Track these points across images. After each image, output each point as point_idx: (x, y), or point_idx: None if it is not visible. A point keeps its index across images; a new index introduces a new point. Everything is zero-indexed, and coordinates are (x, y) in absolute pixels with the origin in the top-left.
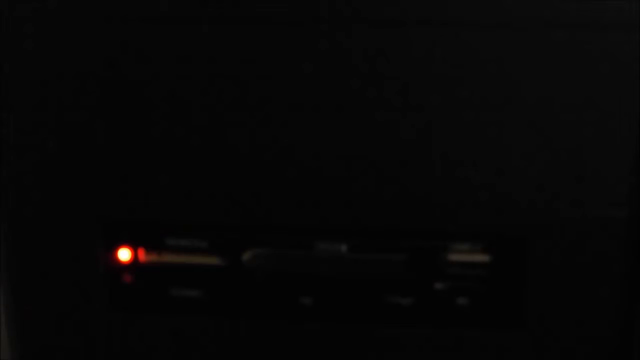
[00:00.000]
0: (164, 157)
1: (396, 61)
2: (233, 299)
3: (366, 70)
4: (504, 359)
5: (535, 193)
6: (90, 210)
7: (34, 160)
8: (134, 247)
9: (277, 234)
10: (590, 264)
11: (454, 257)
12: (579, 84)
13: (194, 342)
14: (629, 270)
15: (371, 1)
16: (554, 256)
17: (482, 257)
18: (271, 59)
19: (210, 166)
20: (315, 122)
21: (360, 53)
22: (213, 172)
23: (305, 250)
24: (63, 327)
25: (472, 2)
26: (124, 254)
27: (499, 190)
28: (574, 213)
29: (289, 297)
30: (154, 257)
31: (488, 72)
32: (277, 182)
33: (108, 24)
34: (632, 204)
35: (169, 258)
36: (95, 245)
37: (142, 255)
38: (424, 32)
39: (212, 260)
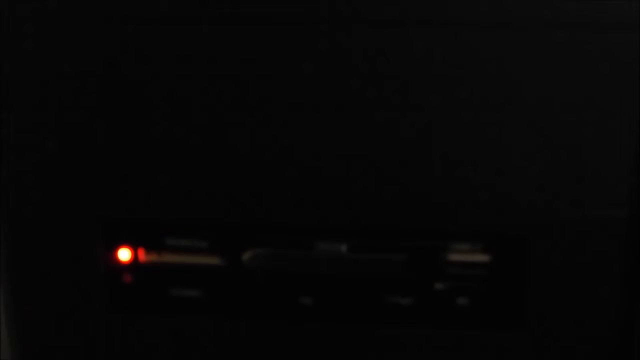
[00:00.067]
0: (164, 157)
1: (396, 61)
2: (233, 299)
3: (366, 70)
4: (504, 359)
5: (535, 193)
6: (90, 210)
7: (34, 160)
8: (134, 247)
9: (277, 234)
10: (590, 264)
11: (454, 257)
12: (579, 84)
13: (194, 342)
14: (629, 270)
15: (371, 1)
16: (554, 256)
17: (482, 257)
18: (271, 59)
19: (210, 166)
20: (315, 122)
21: (360, 53)
22: (213, 172)
23: (305, 250)
24: (63, 327)
25: (472, 2)
26: (124, 254)
27: (499, 190)
28: (574, 213)
29: (289, 297)
30: (154, 257)
31: (488, 72)
32: (277, 182)
33: (108, 24)
34: (632, 204)
35: (169, 258)
36: (95, 245)
37: (142, 255)
38: (424, 32)
39: (212, 260)
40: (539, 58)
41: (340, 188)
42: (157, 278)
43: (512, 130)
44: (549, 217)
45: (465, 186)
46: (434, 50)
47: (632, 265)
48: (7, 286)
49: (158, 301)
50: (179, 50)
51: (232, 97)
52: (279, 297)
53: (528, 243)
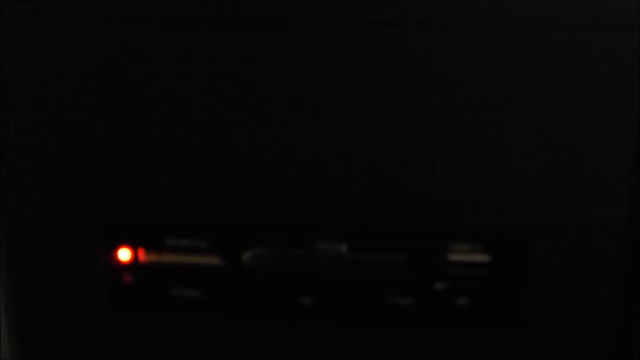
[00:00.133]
0: (164, 157)
1: (396, 61)
2: (233, 299)
3: (366, 70)
4: (504, 359)
5: (535, 193)
6: (90, 210)
7: (34, 160)
8: (134, 247)
9: (277, 234)
10: (590, 264)
11: (454, 257)
12: (579, 84)
13: (194, 342)
14: (629, 270)
15: (371, 1)
16: (554, 256)
17: (482, 257)
18: (271, 59)
19: (210, 166)
20: (315, 122)
21: (360, 53)
22: (213, 172)
23: (305, 250)
24: (63, 327)
25: (472, 2)
26: (124, 254)
27: (499, 190)
28: (574, 213)
29: (289, 297)
30: (154, 257)
31: (488, 72)
32: (277, 182)
33: (108, 24)
34: (632, 204)
35: (169, 258)
36: (95, 245)
37: (142, 255)
38: (424, 32)
39: (212, 260)
40: (539, 58)
41: (340, 188)
42: (157, 278)
43: (512, 130)
44: (549, 217)
45: (465, 186)
46: (434, 50)
47: (632, 265)
48: (7, 286)
49: (158, 301)
50: (179, 50)
51: (232, 97)
52: (279, 297)
53: (528, 243)
